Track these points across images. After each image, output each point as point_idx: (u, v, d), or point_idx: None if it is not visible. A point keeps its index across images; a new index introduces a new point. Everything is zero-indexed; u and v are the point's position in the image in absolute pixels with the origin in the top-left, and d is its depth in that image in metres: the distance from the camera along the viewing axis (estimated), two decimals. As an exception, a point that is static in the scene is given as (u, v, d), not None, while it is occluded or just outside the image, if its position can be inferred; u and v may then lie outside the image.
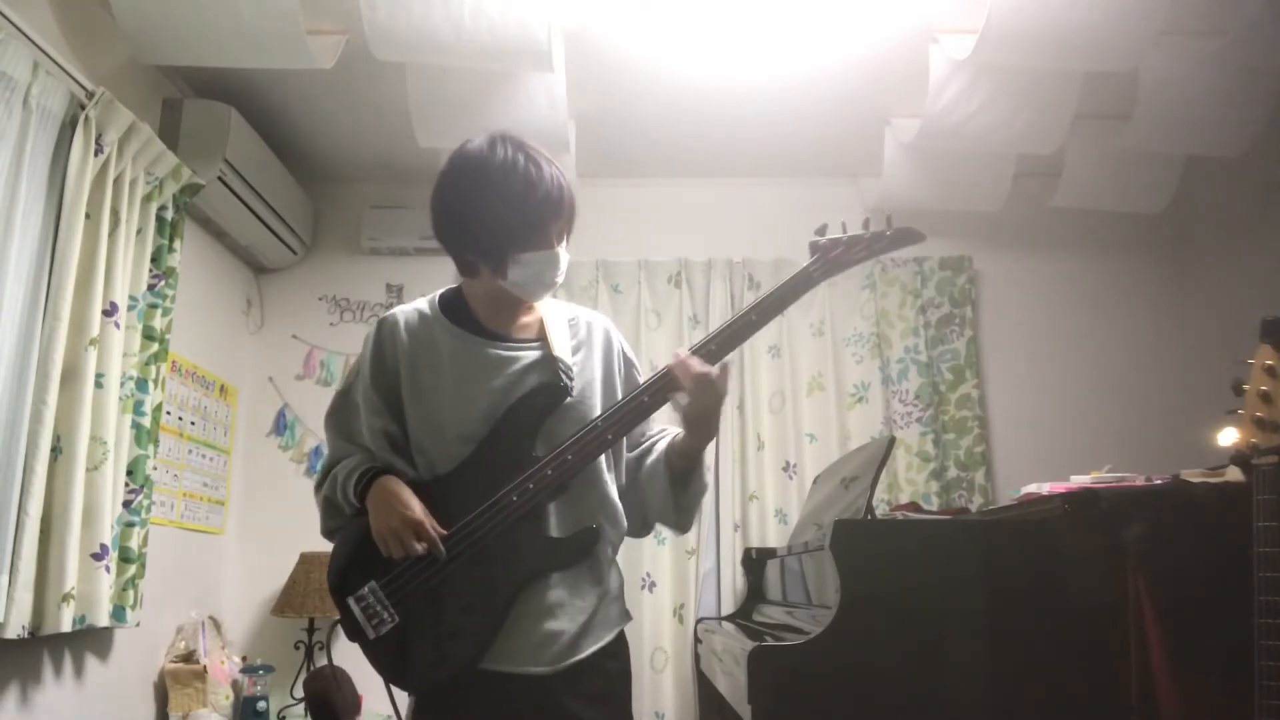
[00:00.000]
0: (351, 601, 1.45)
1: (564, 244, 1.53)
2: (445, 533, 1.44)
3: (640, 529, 1.63)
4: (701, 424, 1.52)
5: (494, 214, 1.47)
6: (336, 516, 1.57)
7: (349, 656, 1.55)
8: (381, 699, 1.70)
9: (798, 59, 3.13)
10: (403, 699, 1.52)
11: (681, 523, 1.61)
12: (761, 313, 1.52)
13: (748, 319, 1.52)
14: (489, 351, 1.53)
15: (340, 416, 1.60)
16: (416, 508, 1.44)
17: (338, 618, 1.49)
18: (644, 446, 1.63)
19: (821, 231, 1.57)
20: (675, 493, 1.57)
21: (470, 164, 1.50)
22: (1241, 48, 2.83)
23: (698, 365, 1.47)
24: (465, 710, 1.45)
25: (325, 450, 1.63)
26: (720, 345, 1.51)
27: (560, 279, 1.54)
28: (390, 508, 1.44)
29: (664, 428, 1.66)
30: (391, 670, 1.47)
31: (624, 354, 1.65)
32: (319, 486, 1.59)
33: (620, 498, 1.58)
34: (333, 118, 3.51)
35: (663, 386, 1.50)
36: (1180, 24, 2.81)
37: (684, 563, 3.53)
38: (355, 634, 1.47)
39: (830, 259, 1.56)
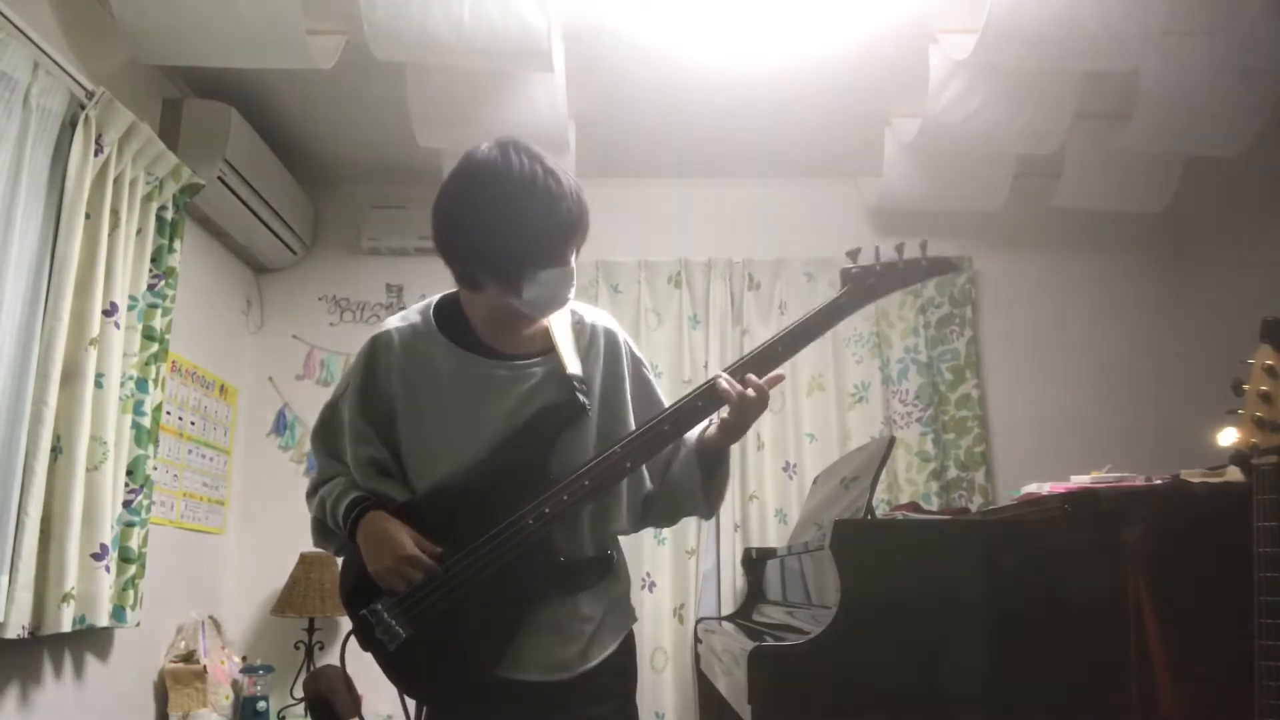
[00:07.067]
0: (366, 614, 1.44)
1: (576, 258, 1.48)
2: (440, 552, 1.43)
3: (669, 520, 1.63)
4: (740, 429, 1.51)
5: (512, 231, 1.38)
6: (327, 538, 1.57)
7: (350, 657, 1.54)
8: (381, 699, 1.70)
9: (798, 60, 3.13)
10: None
11: (711, 510, 1.59)
12: (788, 345, 1.49)
13: (773, 350, 1.49)
14: (494, 372, 1.49)
15: (328, 432, 1.58)
16: (408, 543, 1.42)
17: (350, 630, 1.48)
18: (670, 445, 1.58)
19: (854, 256, 1.50)
20: (705, 483, 1.55)
21: (484, 175, 1.41)
22: (1241, 48, 2.83)
23: (750, 381, 1.45)
24: (475, 718, 1.46)
25: (314, 463, 1.61)
26: (743, 372, 1.48)
27: (572, 295, 1.49)
28: (382, 546, 1.43)
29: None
30: (406, 681, 1.47)
31: (632, 354, 1.61)
32: (309, 498, 1.58)
33: (650, 500, 1.57)
34: (333, 118, 3.51)
35: (684, 415, 1.47)
36: (1180, 24, 2.80)
37: (684, 563, 3.53)
38: (370, 646, 1.46)
39: (862, 289, 1.51)
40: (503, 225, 1.39)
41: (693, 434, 1.57)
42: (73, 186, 2.39)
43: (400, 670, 1.46)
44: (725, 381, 1.46)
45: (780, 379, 1.49)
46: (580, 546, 1.49)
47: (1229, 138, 3.14)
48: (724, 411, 1.50)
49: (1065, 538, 1.94)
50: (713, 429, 1.53)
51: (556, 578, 1.46)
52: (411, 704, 1.52)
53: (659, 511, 1.60)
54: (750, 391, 1.44)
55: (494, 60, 2.79)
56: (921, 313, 3.79)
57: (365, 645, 1.47)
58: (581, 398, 1.48)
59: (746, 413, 1.47)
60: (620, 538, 1.61)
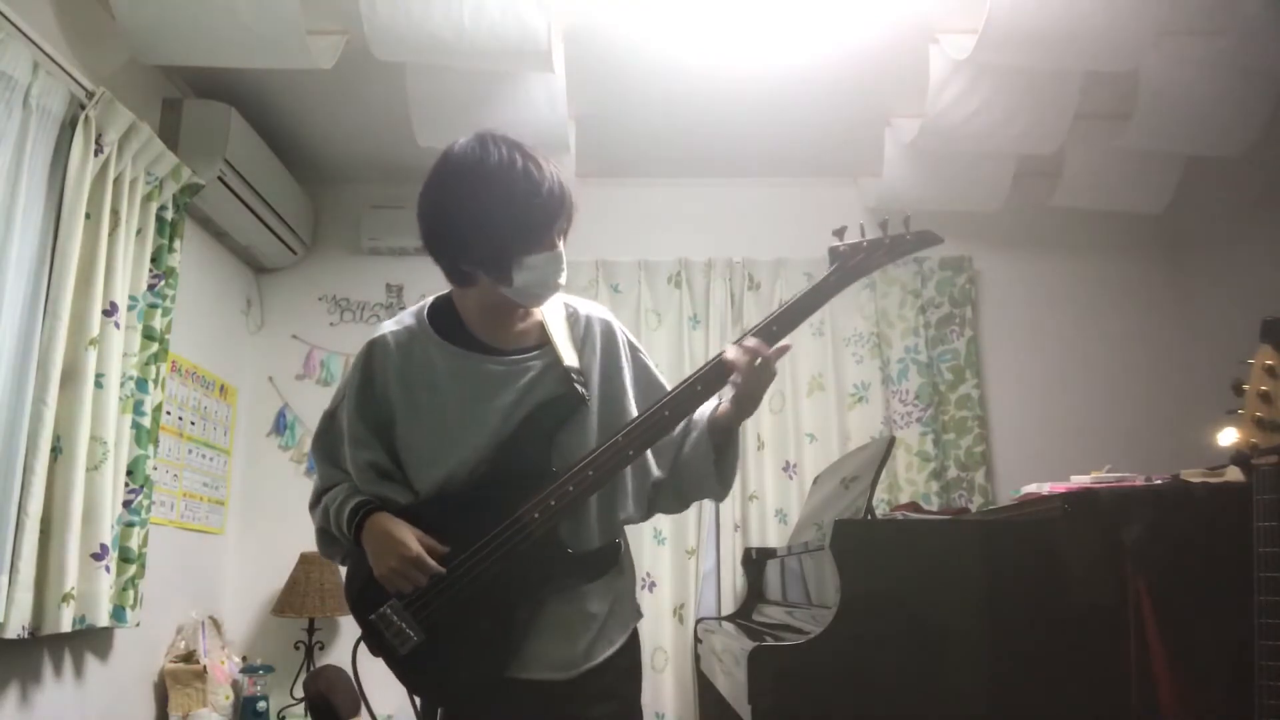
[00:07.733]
0: (375, 619, 1.44)
1: (564, 243, 1.48)
2: (447, 551, 1.43)
3: (682, 504, 1.61)
4: (750, 401, 1.49)
5: (496, 217, 1.39)
6: (332, 545, 1.56)
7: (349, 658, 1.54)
8: (383, 700, 1.70)
9: (798, 60, 3.13)
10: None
11: (725, 490, 1.58)
12: (783, 324, 1.49)
13: (768, 330, 1.49)
14: (490, 368, 1.49)
15: (327, 440, 1.58)
16: (412, 544, 1.41)
17: (359, 636, 1.48)
18: (681, 428, 1.57)
19: (840, 234, 1.52)
20: (718, 462, 1.54)
21: (463, 167, 1.43)
22: (1241, 48, 2.83)
23: (754, 346, 1.44)
24: (485, 718, 1.46)
25: (315, 472, 1.60)
26: None
27: (564, 280, 1.49)
28: (386, 548, 1.42)
29: None
30: (417, 684, 1.47)
31: (629, 342, 1.60)
32: (312, 508, 1.57)
33: (660, 486, 1.56)
34: (333, 118, 3.51)
35: (683, 400, 1.46)
36: (1180, 24, 2.81)
37: (684, 563, 3.53)
38: (380, 650, 1.46)
39: (849, 266, 1.52)
40: (487, 213, 1.40)
41: (703, 416, 1.56)
42: (73, 186, 2.39)
43: (411, 673, 1.46)
44: (733, 351, 1.45)
45: (787, 348, 1.48)
46: (588, 538, 1.49)
47: (1229, 138, 3.14)
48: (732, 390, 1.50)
49: (1065, 538, 1.95)
50: (724, 405, 1.52)
51: (565, 571, 1.45)
52: (419, 701, 1.52)
53: (671, 496, 1.58)
54: (757, 360, 1.44)
55: (494, 60, 2.79)
56: (921, 313, 3.79)
57: (375, 650, 1.46)
58: (580, 389, 1.48)
59: (755, 380, 1.45)
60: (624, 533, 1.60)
